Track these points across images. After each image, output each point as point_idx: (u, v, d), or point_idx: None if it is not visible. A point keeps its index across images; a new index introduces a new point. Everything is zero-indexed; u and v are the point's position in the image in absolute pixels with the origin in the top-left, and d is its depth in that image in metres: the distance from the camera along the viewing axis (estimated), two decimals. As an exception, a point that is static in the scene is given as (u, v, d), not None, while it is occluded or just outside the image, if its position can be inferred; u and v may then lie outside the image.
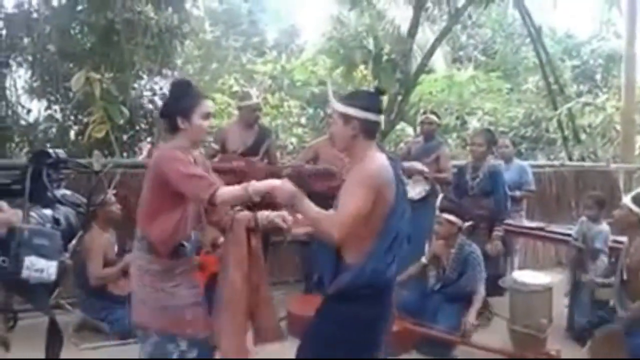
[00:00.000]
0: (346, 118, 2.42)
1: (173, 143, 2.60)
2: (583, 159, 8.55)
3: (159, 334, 2.59)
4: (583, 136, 9.77)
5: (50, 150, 2.46)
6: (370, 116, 2.42)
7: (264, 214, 2.75)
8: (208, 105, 2.65)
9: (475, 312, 4.13)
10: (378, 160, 2.38)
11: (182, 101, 2.58)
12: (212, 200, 2.40)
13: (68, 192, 2.62)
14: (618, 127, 10.07)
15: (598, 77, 13.14)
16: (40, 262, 2.03)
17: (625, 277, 3.79)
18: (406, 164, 5.01)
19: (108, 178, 4.87)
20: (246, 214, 2.77)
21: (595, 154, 9.48)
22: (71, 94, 7.07)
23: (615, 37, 13.28)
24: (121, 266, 4.47)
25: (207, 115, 2.61)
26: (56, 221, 2.38)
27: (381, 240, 2.36)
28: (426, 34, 10.69)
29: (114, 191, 4.62)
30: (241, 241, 2.71)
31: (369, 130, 2.43)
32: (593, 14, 14.42)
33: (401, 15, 10.36)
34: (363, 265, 2.33)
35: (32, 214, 2.28)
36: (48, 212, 2.35)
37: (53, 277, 2.07)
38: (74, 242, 2.56)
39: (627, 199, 3.84)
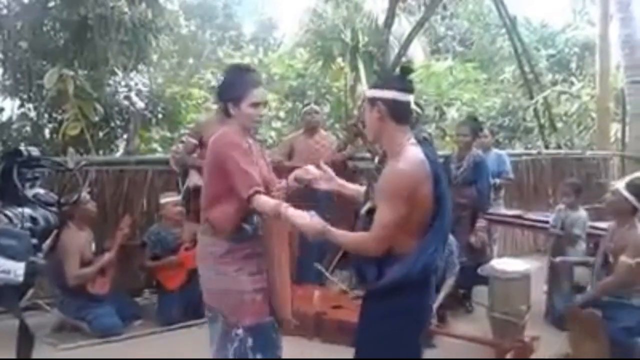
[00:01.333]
0: (371, 102, 2.29)
1: (229, 127, 2.62)
2: (559, 147, 8.65)
3: (222, 317, 2.64)
4: (559, 124, 9.87)
5: (23, 148, 2.40)
6: (396, 95, 2.26)
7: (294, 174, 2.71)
8: (259, 93, 2.59)
9: (440, 300, 4.22)
10: (412, 157, 2.23)
11: (232, 88, 2.60)
12: (248, 201, 2.45)
13: (42, 191, 2.57)
14: (593, 115, 10.20)
15: (573, 65, 13.27)
16: (7, 264, 1.96)
17: (610, 260, 3.82)
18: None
19: (82, 176, 4.84)
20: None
21: (572, 141, 9.59)
22: (44, 92, 6.96)
23: (589, 26, 13.43)
24: (99, 265, 4.43)
25: (256, 104, 2.58)
26: (33, 220, 2.30)
27: (432, 235, 2.27)
28: (403, 26, 10.72)
29: (89, 189, 4.58)
30: (283, 235, 2.75)
31: (397, 112, 2.26)
32: (567, 3, 14.57)
33: (378, 8, 10.36)
34: (417, 257, 2.25)
35: (8, 212, 2.23)
36: (25, 210, 2.28)
37: (20, 278, 2.01)
38: (47, 241, 2.50)
39: (620, 186, 3.85)
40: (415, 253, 2.25)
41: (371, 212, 2.33)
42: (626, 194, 3.79)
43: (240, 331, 2.58)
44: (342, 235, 2.33)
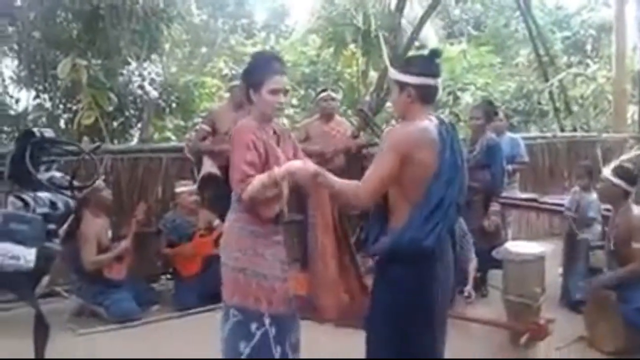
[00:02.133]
0: (401, 85, 2.37)
1: (249, 117, 2.66)
2: (575, 130, 8.55)
3: (239, 305, 2.59)
4: (575, 107, 9.76)
5: (35, 130, 2.36)
6: (426, 80, 2.36)
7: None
8: (279, 80, 2.59)
9: (472, 280, 4.28)
10: (417, 124, 2.32)
11: (254, 74, 2.61)
12: (242, 197, 2.46)
13: (57, 174, 2.54)
14: (610, 97, 10.06)
15: (589, 47, 13.08)
16: (16, 249, 1.91)
17: (612, 247, 3.83)
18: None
19: (98, 161, 4.88)
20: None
21: (588, 124, 9.48)
22: (59, 82, 7.01)
23: (605, 7, 13.21)
24: (116, 252, 4.49)
25: (275, 91, 2.57)
26: (53, 205, 2.24)
27: (420, 208, 2.28)
28: (416, 10, 10.61)
29: (104, 177, 4.63)
30: (324, 203, 2.62)
31: (426, 96, 2.37)
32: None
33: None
34: (401, 232, 2.29)
35: (25, 196, 2.19)
36: (45, 195, 2.27)
37: (31, 264, 1.94)
38: (65, 226, 2.48)
39: (607, 172, 3.86)
40: (403, 225, 2.29)
41: None
42: (614, 179, 3.78)
43: (267, 320, 2.57)
44: (334, 180, 2.37)
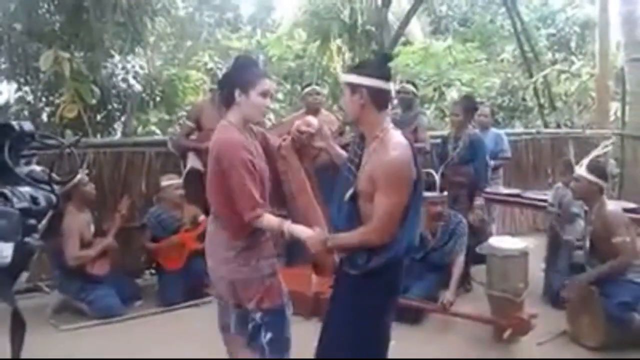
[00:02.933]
0: (353, 87, 2.36)
1: (229, 120, 2.58)
2: (559, 126, 8.61)
3: (235, 306, 2.71)
4: (559, 104, 9.83)
5: (14, 123, 2.30)
6: (378, 83, 2.34)
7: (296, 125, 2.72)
8: (268, 83, 2.60)
9: (455, 286, 4.27)
10: (399, 142, 2.32)
11: (243, 74, 2.56)
12: (249, 223, 2.48)
13: (37, 168, 2.48)
14: (593, 94, 10.14)
15: (573, 44, 13.18)
16: None
17: (587, 244, 3.89)
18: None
19: (80, 158, 4.83)
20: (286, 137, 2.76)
21: (572, 121, 9.55)
22: (41, 75, 6.92)
23: (589, 4, 13.31)
24: (99, 248, 4.44)
25: (265, 93, 2.56)
26: (34, 200, 2.25)
27: (413, 213, 2.37)
28: (403, 5, 10.62)
29: (87, 171, 4.58)
30: (296, 167, 2.72)
31: (379, 100, 2.35)
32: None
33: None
34: (401, 238, 2.35)
35: (5, 190, 2.13)
36: (25, 189, 2.22)
37: (8, 260, 1.88)
38: (44, 221, 2.43)
39: (581, 170, 3.90)
40: (401, 235, 2.35)
41: (354, 197, 2.40)
42: (589, 176, 3.83)
43: (258, 315, 2.63)
44: (346, 237, 2.40)
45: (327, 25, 7.25)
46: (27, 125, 2.38)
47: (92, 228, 4.55)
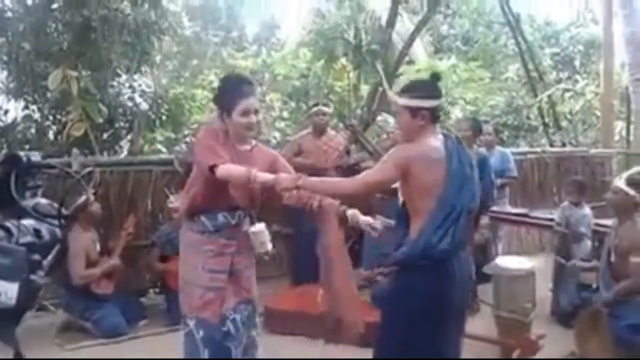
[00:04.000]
0: (413, 110, 2.51)
1: (229, 132, 2.73)
2: (564, 145, 8.61)
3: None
4: (564, 123, 9.83)
5: (22, 154, 2.24)
6: (435, 103, 2.55)
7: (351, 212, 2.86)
8: (250, 102, 2.69)
9: None
10: (426, 144, 2.49)
11: (224, 97, 2.72)
12: (213, 171, 2.52)
13: (43, 201, 2.40)
14: (598, 113, 10.15)
15: (577, 63, 13.21)
16: None
17: (612, 258, 3.82)
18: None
19: (87, 178, 4.84)
20: (333, 201, 2.82)
21: (576, 139, 9.55)
22: (49, 94, 6.97)
23: (593, 24, 13.37)
24: (104, 268, 4.44)
25: (245, 113, 2.66)
26: (37, 233, 2.17)
27: (433, 216, 2.44)
28: (407, 25, 10.68)
29: (94, 190, 4.58)
30: (334, 225, 2.78)
31: (436, 116, 2.57)
32: (570, 1, 14.51)
33: (382, 6, 10.35)
34: (416, 239, 2.46)
35: (8, 224, 2.05)
36: (28, 222, 2.14)
37: (13, 301, 1.78)
38: (50, 257, 2.33)
39: (620, 183, 3.86)
40: (416, 235, 2.47)
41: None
42: (628, 190, 3.79)
43: (191, 321, 2.75)
44: (320, 181, 2.61)
45: (332, 44, 7.30)
46: (35, 156, 2.33)
47: (98, 247, 4.55)
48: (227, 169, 2.53)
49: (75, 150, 4.98)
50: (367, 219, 2.89)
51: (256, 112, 2.72)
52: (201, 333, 2.71)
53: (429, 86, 2.61)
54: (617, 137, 9.64)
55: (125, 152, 7.78)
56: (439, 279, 2.48)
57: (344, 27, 7.39)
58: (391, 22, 6.90)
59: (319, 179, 2.61)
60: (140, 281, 5.14)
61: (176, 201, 4.81)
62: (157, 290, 5.10)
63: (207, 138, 2.67)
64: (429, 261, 2.44)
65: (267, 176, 2.54)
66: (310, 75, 9.44)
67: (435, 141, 2.51)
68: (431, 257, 2.44)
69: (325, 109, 5.56)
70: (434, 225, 2.43)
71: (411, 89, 2.60)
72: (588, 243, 4.68)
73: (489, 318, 4.17)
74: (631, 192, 3.77)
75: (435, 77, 2.66)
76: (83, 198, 4.36)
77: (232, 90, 2.70)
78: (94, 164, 5.07)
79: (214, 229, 2.74)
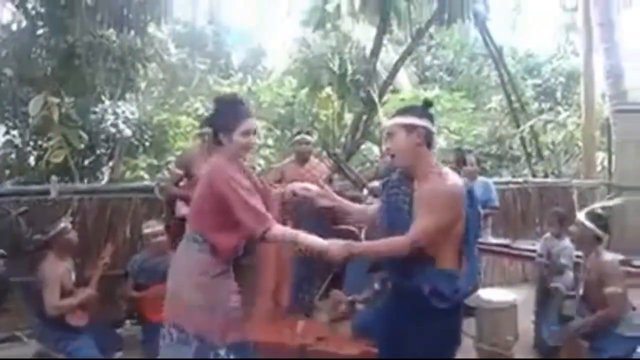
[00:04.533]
0: (409, 128, 2.48)
1: (220, 157, 2.71)
2: (546, 176, 8.67)
3: (197, 339, 2.66)
4: (546, 153, 9.91)
5: None
6: (429, 125, 2.52)
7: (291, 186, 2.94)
8: (251, 122, 2.72)
9: None
10: (453, 177, 2.49)
11: (224, 118, 2.71)
12: (263, 237, 2.55)
13: None
14: (580, 144, 10.26)
15: (559, 94, 13.41)
16: None
17: (581, 292, 3.84)
18: (376, 184, 5.02)
19: (64, 204, 4.79)
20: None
21: (559, 170, 9.62)
22: (30, 119, 6.92)
23: (574, 56, 13.61)
24: (79, 299, 4.31)
25: (247, 133, 2.68)
26: None
27: (469, 253, 2.50)
28: (391, 56, 10.80)
29: (70, 218, 4.51)
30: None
31: (430, 139, 2.52)
32: (551, 34, 14.80)
33: (366, 37, 10.47)
34: (470, 269, 2.49)
35: None
36: None
37: None
38: None
39: (581, 215, 3.90)
40: (466, 267, 2.48)
41: None
42: (587, 222, 3.82)
43: (222, 351, 2.65)
44: (371, 245, 2.52)
45: (317, 73, 7.34)
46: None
47: (73, 276, 4.44)
48: (279, 235, 2.57)
49: (53, 177, 4.92)
50: (302, 184, 2.92)
51: (255, 132, 2.74)
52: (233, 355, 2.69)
53: (422, 109, 2.59)
54: (599, 168, 9.73)
55: (106, 178, 7.71)
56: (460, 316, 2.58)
57: (329, 56, 7.44)
58: (375, 52, 6.98)
59: (367, 244, 2.56)
60: (116, 311, 5.03)
61: (150, 227, 4.75)
62: (133, 321, 4.98)
63: (240, 188, 2.58)
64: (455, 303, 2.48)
65: (317, 241, 2.52)
66: (296, 103, 9.48)
67: (455, 175, 2.52)
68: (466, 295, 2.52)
69: (308, 137, 5.55)
70: (469, 266, 2.49)
71: (404, 111, 2.60)
72: (570, 275, 4.65)
73: (471, 351, 4.12)
74: (589, 225, 3.81)
75: (427, 103, 2.64)
76: (60, 226, 4.33)
77: (232, 111, 2.71)
78: (72, 191, 5.03)
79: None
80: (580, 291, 3.91)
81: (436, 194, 2.42)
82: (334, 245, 2.45)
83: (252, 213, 2.55)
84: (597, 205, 4.10)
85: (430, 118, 2.56)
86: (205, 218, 2.68)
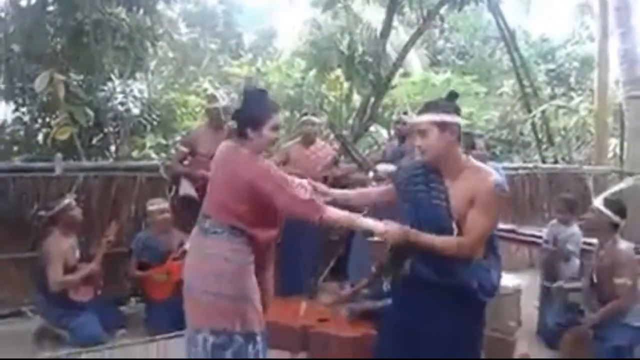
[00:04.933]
0: (441, 126, 2.44)
1: (246, 149, 2.66)
2: (556, 162, 8.56)
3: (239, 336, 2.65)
4: (557, 139, 9.79)
5: None
6: (459, 120, 2.50)
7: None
8: (278, 118, 2.74)
9: None
10: (487, 169, 2.49)
11: (254, 112, 2.68)
12: (320, 221, 2.57)
13: None
14: (592, 130, 10.13)
15: (572, 80, 13.23)
16: None
17: (594, 280, 3.77)
18: (382, 167, 4.99)
19: (70, 181, 4.79)
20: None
21: (570, 156, 9.51)
22: (38, 96, 6.91)
23: (589, 41, 13.39)
24: (83, 274, 4.34)
25: (276, 127, 2.71)
26: None
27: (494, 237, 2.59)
28: (402, 38, 10.67)
29: (75, 195, 4.51)
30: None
31: (460, 135, 2.51)
32: (567, 18, 14.55)
33: (377, 18, 10.35)
34: (496, 260, 2.60)
35: None
36: None
37: None
38: None
39: (598, 202, 3.82)
40: (494, 258, 2.56)
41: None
42: (604, 209, 3.74)
43: (259, 338, 2.68)
44: (430, 238, 2.43)
45: (326, 54, 7.26)
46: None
47: (77, 253, 4.46)
48: (335, 217, 2.59)
49: (58, 155, 4.91)
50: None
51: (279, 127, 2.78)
52: (260, 346, 2.70)
53: (452, 104, 2.54)
54: (610, 154, 9.61)
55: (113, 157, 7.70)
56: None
57: (338, 37, 7.35)
58: (385, 34, 6.88)
59: (425, 235, 2.44)
60: (121, 289, 5.05)
61: (155, 205, 4.74)
62: (138, 299, 5.00)
63: (281, 181, 2.59)
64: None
65: (374, 224, 2.52)
66: (304, 84, 9.41)
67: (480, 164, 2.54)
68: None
69: (315, 119, 5.51)
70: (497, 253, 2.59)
71: (434, 106, 2.52)
72: (576, 262, 4.60)
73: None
74: (607, 211, 3.72)
75: (453, 95, 2.59)
76: (64, 202, 4.33)
77: (262, 104, 2.70)
78: (77, 168, 5.03)
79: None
80: (590, 280, 3.84)
81: (490, 194, 2.40)
82: (391, 228, 2.44)
83: (299, 200, 2.56)
84: (611, 191, 4.00)
85: (458, 111, 2.52)
86: (240, 211, 2.62)
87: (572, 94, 12.52)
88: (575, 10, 13.97)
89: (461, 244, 2.39)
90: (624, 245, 3.74)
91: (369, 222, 2.54)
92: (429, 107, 2.54)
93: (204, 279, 2.65)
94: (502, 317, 3.79)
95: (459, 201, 2.43)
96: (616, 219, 3.73)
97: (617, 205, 3.81)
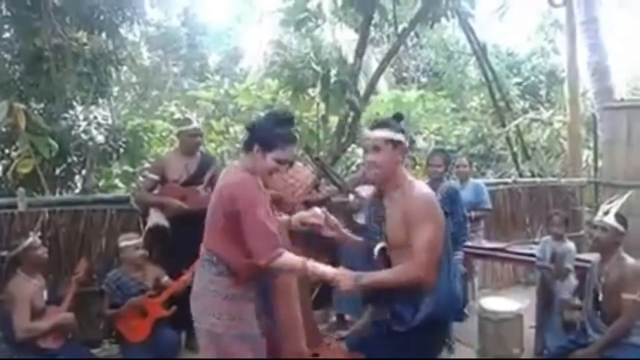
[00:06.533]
0: (394, 143, 2.49)
1: (243, 164, 2.61)
2: (533, 175, 8.52)
3: None
4: (531, 152, 9.77)
5: None
6: (405, 140, 2.57)
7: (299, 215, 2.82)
8: (289, 152, 2.59)
9: None
10: (426, 187, 2.52)
11: (269, 133, 2.54)
12: (268, 265, 2.43)
13: None
14: (564, 142, 10.16)
15: (542, 93, 13.37)
16: None
17: (600, 297, 3.60)
18: (361, 189, 4.85)
19: (34, 218, 4.46)
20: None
21: (544, 169, 9.48)
22: (-3, 128, 6.53)
23: (554, 54, 13.58)
24: (52, 322, 3.97)
25: (282, 161, 2.56)
26: None
27: (445, 262, 2.47)
28: (368, 56, 10.60)
29: (39, 233, 4.18)
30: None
31: (406, 153, 2.61)
32: (532, 32, 14.75)
33: (343, 39, 10.29)
34: (439, 287, 2.40)
35: None
36: None
37: None
38: None
39: (610, 220, 3.64)
40: (438, 285, 2.39)
41: (384, 250, 2.47)
42: (619, 227, 3.60)
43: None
44: (379, 275, 2.41)
45: (300, 75, 7.08)
46: None
47: (45, 294, 4.10)
48: (284, 263, 2.46)
49: (21, 189, 4.58)
50: (310, 212, 2.79)
51: (291, 164, 2.69)
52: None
53: (397, 123, 2.58)
54: (584, 165, 9.63)
55: (79, 189, 7.34)
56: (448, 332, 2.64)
57: (312, 56, 7.19)
58: (360, 53, 6.74)
59: (375, 275, 2.42)
60: (93, 331, 4.70)
61: (127, 240, 4.43)
62: (112, 340, 4.65)
63: (257, 208, 2.46)
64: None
65: (325, 269, 2.46)
66: (275, 106, 9.20)
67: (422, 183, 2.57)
68: (453, 308, 2.48)
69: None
70: (449, 274, 2.44)
71: (387, 124, 2.55)
72: (572, 280, 4.45)
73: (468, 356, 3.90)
74: (621, 228, 3.58)
75: (400, 116, 2.64)
76: (28, 240, 4.00)
77: (281, 131, 2.55)
78: (42, 203, 4.71)
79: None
80: (597, 297, 3.66)
81: (420, 202, 2.41)
82: (341, 276, 2.39)
83: (265, 236, 2.44)
84: (614, 204, 3.80)
85: (404, 132, 2.57)
86: (223, 237, 2.53)
87: (540, 107, 12.59)
88: (539, 24, 14.16)
89: (410, 268, 2.36)
90: (630, 259, 3.60)
91: (319, 269, 2.46)
92: (380, 125, 2.56)
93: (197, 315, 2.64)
94: (505, 344, 3.61)
95: (389, 224, 2.48)
96: (622, 229, 3.61)
97: (624, 219, 3.67)
